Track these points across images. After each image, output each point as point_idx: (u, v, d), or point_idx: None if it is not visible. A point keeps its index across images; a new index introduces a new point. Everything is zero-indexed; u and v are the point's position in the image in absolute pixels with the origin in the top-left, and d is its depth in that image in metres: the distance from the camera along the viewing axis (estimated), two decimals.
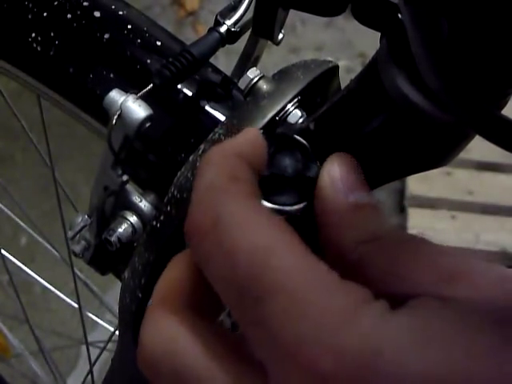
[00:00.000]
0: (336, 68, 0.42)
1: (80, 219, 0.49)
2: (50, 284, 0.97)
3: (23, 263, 0.92)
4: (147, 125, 0.41)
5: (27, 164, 1.50)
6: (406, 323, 0.21)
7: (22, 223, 0.88)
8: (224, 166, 0.26)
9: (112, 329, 0.71)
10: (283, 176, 0.31)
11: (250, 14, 0.44)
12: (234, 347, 0.25)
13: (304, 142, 0.32)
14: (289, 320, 0.22)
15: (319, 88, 0.40)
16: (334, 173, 0.29)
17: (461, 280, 0.23)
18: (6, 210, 0.84)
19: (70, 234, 0.49)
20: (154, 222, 0.40)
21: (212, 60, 0.45)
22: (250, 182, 0.26)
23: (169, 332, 0.26)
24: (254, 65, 0.47)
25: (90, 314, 0.94)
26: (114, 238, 0.45)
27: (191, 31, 1.88)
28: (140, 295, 0.42)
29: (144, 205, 0.46)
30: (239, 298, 0.23)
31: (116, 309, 0.46)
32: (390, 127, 0.31)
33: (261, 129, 0.37)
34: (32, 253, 1.30)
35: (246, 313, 0.23)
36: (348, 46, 1.79)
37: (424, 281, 0.24)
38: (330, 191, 0.28)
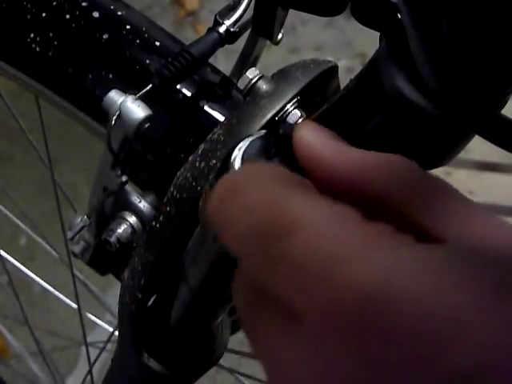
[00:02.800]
0: (335, 68, 0.41)
1: (79, 220, 0.49)
2: (50, 284, 0.97)
3: (23, 263, 0.92)
4: (146, 125, 0.41)
5: (27, 164, 1.50)
6: (429, 256, 0.21)
7: (21, 224, 0.88)
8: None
9: (111, 329, 0.71)
10: None
11: (249, 14, 0.44)
12: None
13: None
14: (315, 248, 0.22)
15: (318, 88, 0.40)
16: (311, 136, 0.27)
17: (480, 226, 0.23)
18: (5, 210, 0.84)
19: (69, 234, 0.49)
20: (154, 223, 0.40)
21: (211, 60, 0.45)
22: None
23: None
24: (254, 65, 0.47)
25: (90, 315, 0.94)
26: (113, 239, 0.45)
27: (191, 31, 1.87)
28: (140, 296, 0.42)
29: (143, 205, 0.46)
30: (258, 242, 0.23)
31: (116, 309, 0.46)
32: (389, 127, 0.31)
33: (261, 128, 0.37)
34: (32, 252, 1.30)
35: (267, 254, 0.23)
36: (348, 46, 1.79)
37: (448, 219, 0.23)
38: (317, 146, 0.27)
